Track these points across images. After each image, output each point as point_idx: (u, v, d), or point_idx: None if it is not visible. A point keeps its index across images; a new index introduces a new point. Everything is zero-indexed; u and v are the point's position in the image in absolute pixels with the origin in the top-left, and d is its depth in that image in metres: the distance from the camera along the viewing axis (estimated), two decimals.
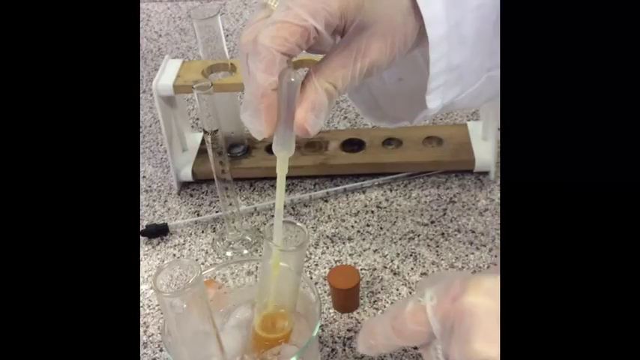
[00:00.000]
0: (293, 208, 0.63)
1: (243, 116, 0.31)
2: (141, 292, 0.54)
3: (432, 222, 0.59)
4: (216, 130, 0.51)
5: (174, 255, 0.58)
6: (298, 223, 0.36)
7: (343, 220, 0.61)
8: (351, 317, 0.51)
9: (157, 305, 0.53)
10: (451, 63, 0.33)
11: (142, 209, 0.64)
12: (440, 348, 0.30)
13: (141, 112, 0.79)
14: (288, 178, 0.60)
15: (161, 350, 0.49)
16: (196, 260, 0.57)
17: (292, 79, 0.29)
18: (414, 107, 0.37)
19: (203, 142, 0.69)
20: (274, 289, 0.37)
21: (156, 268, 0.57)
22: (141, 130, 0.76)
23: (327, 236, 0.59)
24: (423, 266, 0.55)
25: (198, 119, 0.77)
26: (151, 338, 0.50)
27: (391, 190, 0.64)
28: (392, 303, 0.51)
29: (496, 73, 0.37)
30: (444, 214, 0.60)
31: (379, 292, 0.53)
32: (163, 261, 0.58)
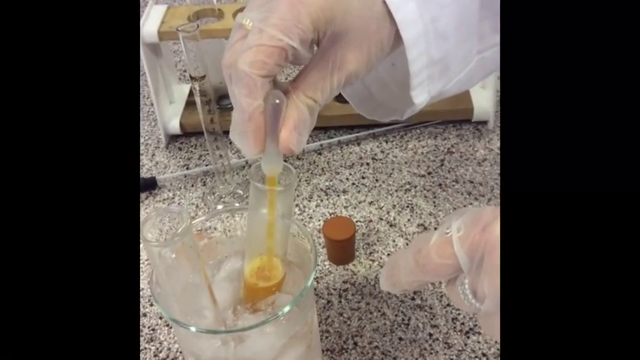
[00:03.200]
0: (285, 160, 0.61)
1: (232, 135, 0.31)
2: None
3: (429, 173, 0.58)
4: (204, 76, 0.48)
5: (165, 204, 0.56)
6: (287, 164, 0.34)
7: (337, 173, 0.59)
8: (347, 269, 0.49)
9: (147, 259, 0.51)
10: (432, 58, 0.33)
11: None
12: (467, 282, 0.28)
13: None
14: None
15: (151, 305, 0.48)
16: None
17: (277, 101, 0.29)
18: (407, 96, 0.35)
19: (191, 94, 0.67)
20: (263, 236, 0.35)
21: None
22: None
23: (321, 189, 0.57)
24: (420, 217, 0.53)
25: (185, 71, 0.74)
26: (140, 293, 0.49)
27: (387, 142, 0.62)
28: (388, 255, 0.50)
29: (489, 53, 0.36)
30: (442, 164, 0.59)
31: (375, 244, 0.51)
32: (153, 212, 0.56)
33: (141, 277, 0.50)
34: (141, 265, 0.51)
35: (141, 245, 0.30)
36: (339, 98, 0.64)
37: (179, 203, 0.57)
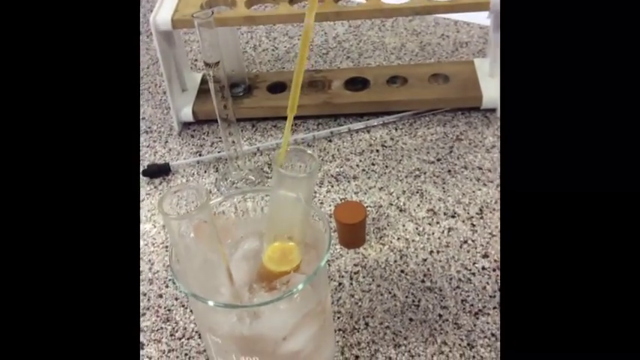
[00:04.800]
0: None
1: None
2: (145, 230, 0.54)
3: (439, 159, 0.59)
4: (218, 62, 0.49)
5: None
6: (309, 151, 0.35)
7: (348, 160, 0.60)
8: (358, 253, 0.50)
9: (162, 243, 0.53)
10: None
11: (143, 150, 0.63)
12: None
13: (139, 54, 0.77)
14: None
15: (167, 286, 0.49)
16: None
17: None
18: None
19: (203, 82, 0.67)
20: (284, 220, 0.36)
21: None
22: (139, 71, 0.74)
23: (332, 175, 0.58)
24: (430, 202, 0.54)
25: (197, 60, 0.75)
26: (156, 275, 0.50)
27: (396, 129, 0.63)
28: (398, 239, 0.51)
29: None
30: (451, 151, 0.59)
31: (385, 228, 0.52)
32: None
33: (156, 260, 0.51)
34: (156, 249, 0.52)
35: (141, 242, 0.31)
36: (349, 86, 0.65)
37: None
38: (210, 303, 0.33)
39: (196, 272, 0.36)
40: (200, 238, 0.35)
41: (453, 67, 0.67)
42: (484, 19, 0.76)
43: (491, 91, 0.62)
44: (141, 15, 0.83)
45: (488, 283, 0.47)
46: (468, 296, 0.46)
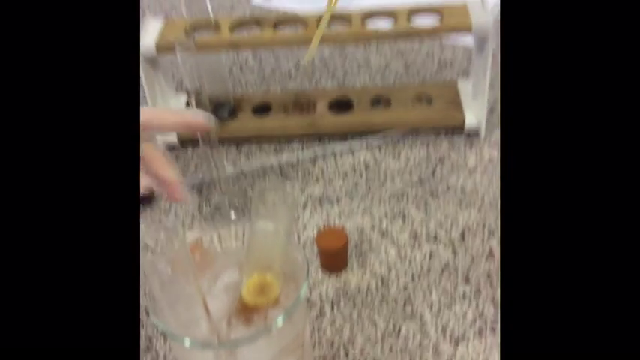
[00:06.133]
0: (281, 170, 0.62)
1: None
2: None
3: (421, 182, 0.59)
4: (200, 89, 0.50)
5: (160, 220, 0.57)
6: (288, 187, 0.36)
7: (331, 182, 0.60)
8: (339, 277, 0.51)
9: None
10: None
11: None
12: None
13: None
14: (274, 140, 0.60)
15: (147, 314, 0.49)
16: (182, 224, 0.57)
17: None
18: None
19: (188, 104, 0.68)
20: (262, 252, 0.37)
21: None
22: None
23: (315, 198, 0.58)
24: (412, 225, 0.54)
25: (182, 80, 0.75)
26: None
27: (380, 151, 0.63)
28: (380, 264, 0.51)
29: None
30: (433, 173, 0.60)
31: (367, 253, 0.52)
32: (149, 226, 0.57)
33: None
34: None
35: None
36: (333, 108, 0.65)
37: (175, 214, 0.58)
38: (186, 342, 0.33)
39: (174, 305, 0.36)
40: (176, 273, 0.35)
41: (436, 88, 0.67)
42: (469, 40, 0.76)
43: (473, 112, 0.63)
44: None
45: (469, 308, 0.47)
46: (449, 322, 0.46)
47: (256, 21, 0.61)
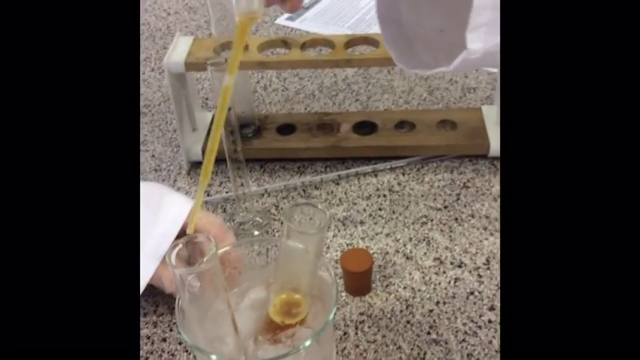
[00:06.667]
0: (304, 190, 0.62)
1: None
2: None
3: (446, 207, 0.59)
4: (230, 108, 0.50)
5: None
6: (319, 206, 0.35)
7: (355, 204, 0.60)
8: (363, 301, 0.50)
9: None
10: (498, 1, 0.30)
11: None
12: None
13: (149, 91, 0.78)
14: (298, 160, 0.60)
15: (171, 330, 0.49)
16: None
17: None
18: (453, 55, 0.33)
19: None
20: (292, 272, 0.36)
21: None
22: (150, 108, 0.75)
23: (339, 219, 0.58)
24: (436, 251, 0.54)
25: (207, 98, 0.76)
26: (160, 318, 0.50)
27: (404, 174, 0.63)
28: (404, 288, 0.51)
29: None
30: (458, 199, 0.59)
31: (392, 277, 0.52)
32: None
33: (161, 302, 0.51)
34: (157, 290, 0.52)
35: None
36: (357, 130, 0.65)
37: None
38: (214, 358, 0.33)
39: (202, 321, 0.36)
40: (206, 288, 0.35)
41: (460, 113, 0.67)
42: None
43: (498, 139, 0.63)
44: (153, 52, 0.85)
45: (494, 337, 0.46)
46: (474, 350, 0.46)
47: (284, 42, 0.61)
